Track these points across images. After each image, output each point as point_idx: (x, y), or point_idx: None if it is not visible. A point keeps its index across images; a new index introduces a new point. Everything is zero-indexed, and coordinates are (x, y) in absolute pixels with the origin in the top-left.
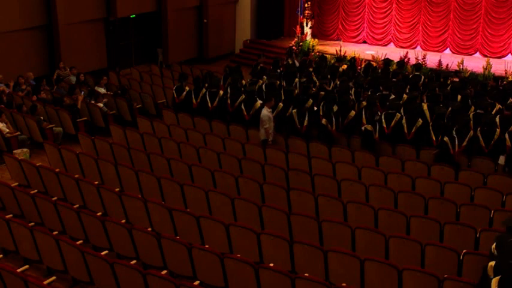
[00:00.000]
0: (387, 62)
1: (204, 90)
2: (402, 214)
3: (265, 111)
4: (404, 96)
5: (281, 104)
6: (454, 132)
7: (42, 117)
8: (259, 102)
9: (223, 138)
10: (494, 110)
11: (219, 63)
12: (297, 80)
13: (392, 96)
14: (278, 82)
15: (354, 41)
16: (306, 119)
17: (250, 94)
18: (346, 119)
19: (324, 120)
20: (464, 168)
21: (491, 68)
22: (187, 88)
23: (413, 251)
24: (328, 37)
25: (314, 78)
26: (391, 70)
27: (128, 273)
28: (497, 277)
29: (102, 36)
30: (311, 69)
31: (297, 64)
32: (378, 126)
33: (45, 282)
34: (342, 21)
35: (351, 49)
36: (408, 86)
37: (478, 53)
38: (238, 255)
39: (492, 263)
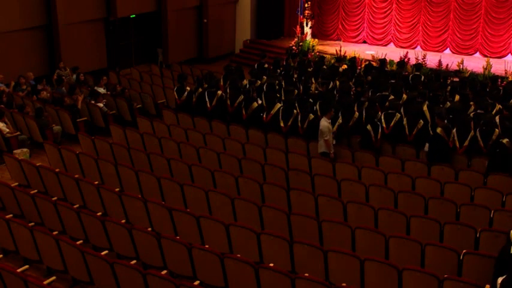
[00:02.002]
0: (383, 61)
1: (200, 89)
2: (402, 214)
3: (325, 122)
4: (404, 96)
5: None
6: (378, 121)
7: (49, 119)
8: (258, 102)
9: (223, 138)
10: (494, 110)
11: (219, 63)
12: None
13: (392, 97)
14: (277, 82)
15: (354, 41)
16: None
17: (247, 94)
18: (352, 121)
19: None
20: (464, 168)
21: (491, 68)
22: (188, 88)
23: (413, 251)
24: (328, 37)
25: (312, 80)
26: (388, 70)
27: (128, 273)
28: None
29: (102, 36)
30: (310, 70)
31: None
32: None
33: (45, 282)
34: (342, 21)
35: (351, 49)
36: (406, 86)
37: (478, 53)
38: (238, 255)
39: None
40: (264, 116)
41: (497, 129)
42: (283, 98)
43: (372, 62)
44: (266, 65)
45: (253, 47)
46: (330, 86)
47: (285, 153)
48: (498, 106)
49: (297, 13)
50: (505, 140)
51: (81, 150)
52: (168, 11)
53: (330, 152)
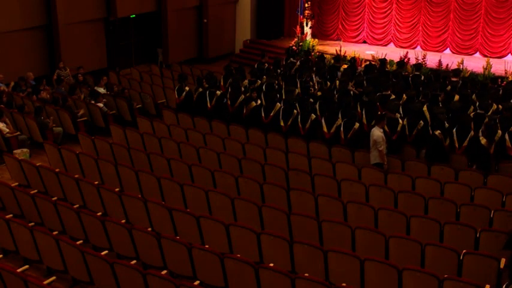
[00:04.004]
0: (383, 61)
1: (200, 89)
2: (402, 214)
3: (378, 132)
4: (404, 96)
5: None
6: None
7: (47, 119)
8: (257, 102)
9: (223, 138)
10: (492, 110)
11: (219, 63)
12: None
13: (393, 96)
14: (277, 82)
15: (354, 41)
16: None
17: (246, 94)
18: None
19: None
20: (464, 168)
21: (491, 68)
22: (187, 88)
23: (413, 251)
24: (328, 37)
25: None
26: (388, 70)
27: (128, 273)
28: None
29: (102, 36)
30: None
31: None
32: None
33: (45, 282)
34: (342, 21)
35: (351, 49)
36: (407, 86)
37: (478, 53)
38: (238, 255)
39: None
40: (264, 116)
41: (499, 131)
42: (283, 98)
43: (372, 62)
44: (266, 65)
45: (253, 47)
46: (330, 86)
47: (285, 153)
48: (495, 106)
49: (297, 13)
50: (437, 132)
51: (81, 150)
52: (168, 11)
53: (384, 162)
